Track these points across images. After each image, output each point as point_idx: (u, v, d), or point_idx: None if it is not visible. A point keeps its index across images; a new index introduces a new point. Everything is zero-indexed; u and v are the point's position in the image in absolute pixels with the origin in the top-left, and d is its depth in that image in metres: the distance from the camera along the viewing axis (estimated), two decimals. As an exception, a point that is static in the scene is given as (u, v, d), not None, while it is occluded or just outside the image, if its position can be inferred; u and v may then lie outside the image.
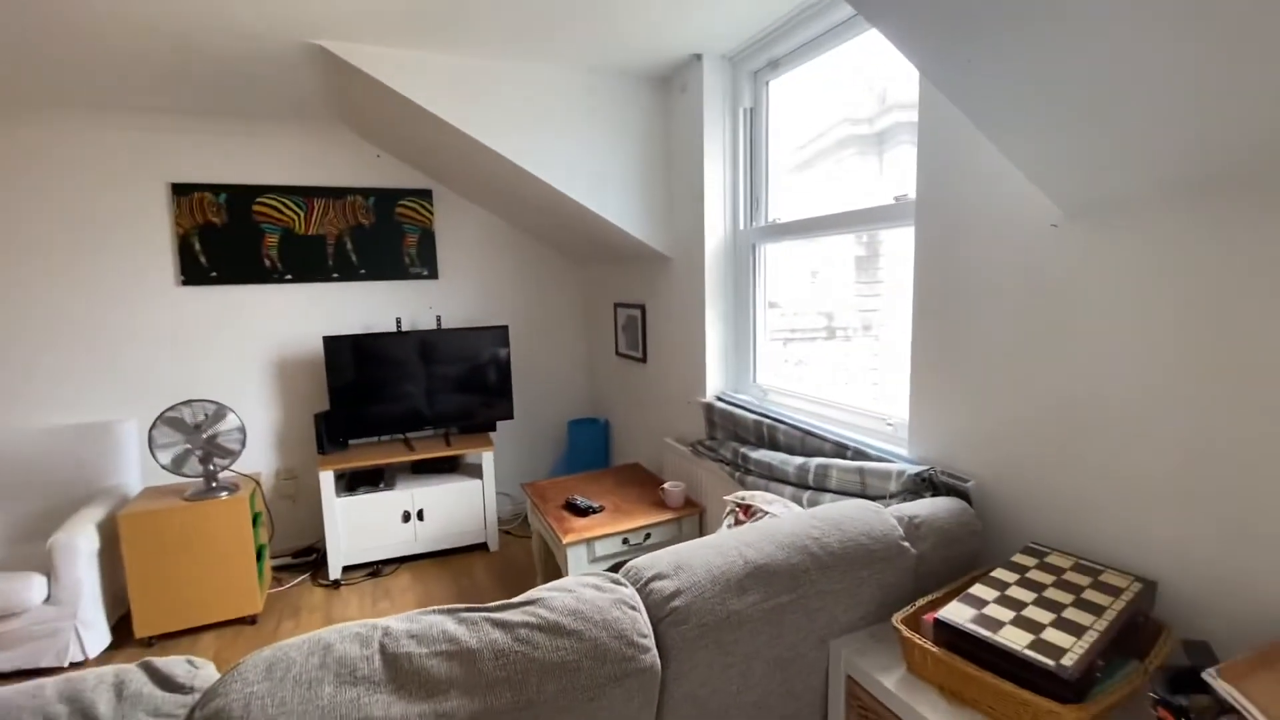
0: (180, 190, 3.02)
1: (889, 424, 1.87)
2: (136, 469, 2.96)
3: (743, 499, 1.82)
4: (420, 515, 3.23)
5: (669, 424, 2.96)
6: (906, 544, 1.26)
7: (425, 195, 3.47)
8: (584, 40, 2.27)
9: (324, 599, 2.95)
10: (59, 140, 2.85)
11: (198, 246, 3.07)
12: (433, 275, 3.54)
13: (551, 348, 3.92)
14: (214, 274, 3.11)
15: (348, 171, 3.33)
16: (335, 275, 3.33)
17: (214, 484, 2.69)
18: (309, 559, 3.33)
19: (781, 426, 2.08)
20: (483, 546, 3.43)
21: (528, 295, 3.82)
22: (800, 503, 1.81)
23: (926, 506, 1.37)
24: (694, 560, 1.08)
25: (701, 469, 2.55)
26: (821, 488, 1.79)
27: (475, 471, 3.41)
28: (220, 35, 2.12)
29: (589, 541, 2.33)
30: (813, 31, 2.05)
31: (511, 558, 3.32)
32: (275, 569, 3.24)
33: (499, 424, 3.78)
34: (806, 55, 2.16)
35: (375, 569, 3.21)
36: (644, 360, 3.18)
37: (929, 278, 1.58)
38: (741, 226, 2.52)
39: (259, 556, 2.81)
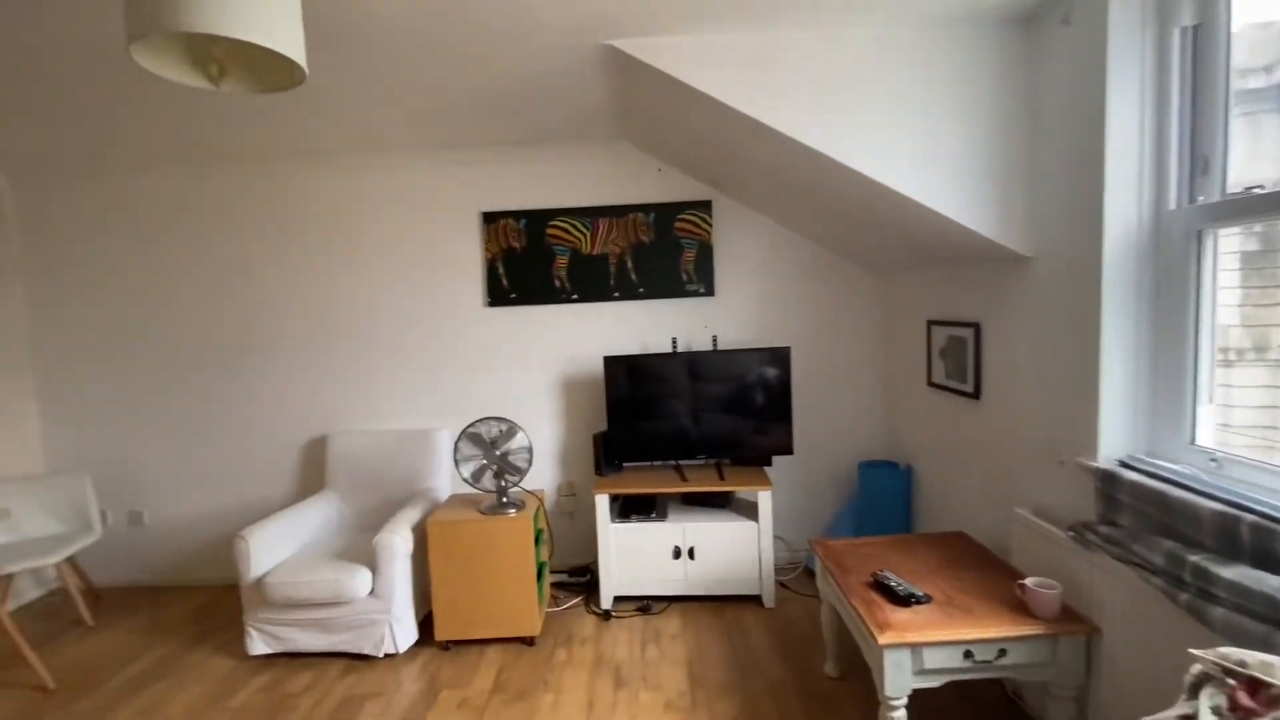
0: (489, 218, 3.25)
1: None
2: (447, 475, 3.23)
3: (1241, 664, 1.05)
4: (691, 553, 2.94)
5: (1018, 487, 2.17)
6: None
7: (705, 207, 3.22)
8: (925, -26, 1.71)
9: (595, 630, 2.83)
10: (394, 180, 3.27)
11: (501, 269, 3.27)
12: (709, 292, 3.26)
13: (841, 374, 3.34)
14: (513, 295, 3.28)
15: (630, 188, 3.25)
16: (616, 294, 3.27)
17: (504, 500, 2.75)
18: (583, 579, 3.29)
19: (1295, 534, 1.21)
20: (756, 600, 2.99)
21: (813, 312, 3.31)
22: (1389, 698, 0.97)
23: None
24: None
25: (1091, 566, 1.73)
26: None
27: (749, 511, 3.01)
28: (520, 52, 2.09)
29: (915, 647, 1.71)
30: None
31: (791, 620, 2.82)
32: (553, 584, 3.27)
33: (775, 459, 3.33)
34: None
35: (645, 604, 3.01)
36: (975, 396, 2.42)
37: None
38: (1172, 205, 1.66)
39: (539, 575, 2.80)
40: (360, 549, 2.76)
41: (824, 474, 3.38)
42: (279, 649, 2.65)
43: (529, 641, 2.73)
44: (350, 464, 3.23)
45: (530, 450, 2.77)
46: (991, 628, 1.71)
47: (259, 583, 2.58)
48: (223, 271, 3.36)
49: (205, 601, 3.29)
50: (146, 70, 1.32)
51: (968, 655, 1.71)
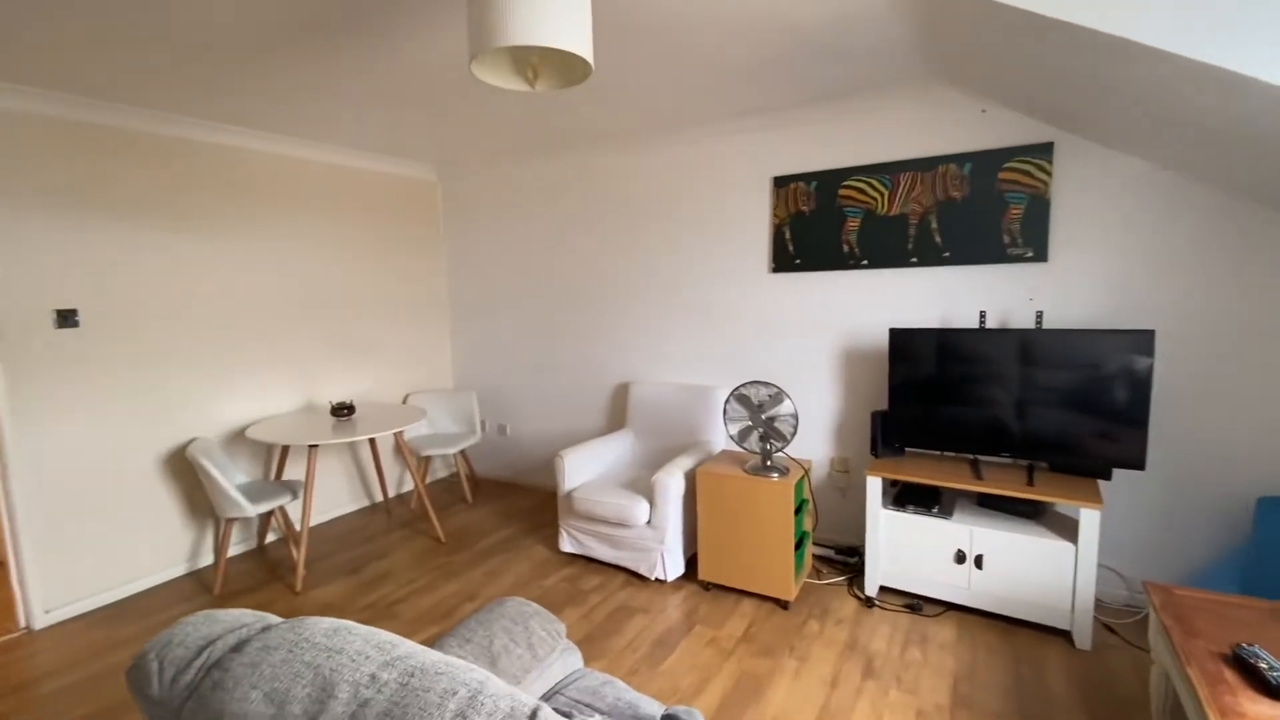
0: (779, 182, 3.22)
1: None
2: (721, 430, 3.42)
3: None
4: (979, 562, 2.56)
5: None
6: None
7: (1043, 151, 2.62)
8: None
9: (854, 613, 2.71)
10: (690, 153, 3.46)
11: (788, 235, 3.23)
12: (1039, 257, 2.68)
13: (1239, 372, 2.42)
14: (798, 261, 3.22)
15: (941, 137, 2.83)
16: (913, 260, 2.93)
17: (768, 463, 2.80)
18: (850, 560, 3.16)
19: None
20: (1065, 635, 2.47)
21: (1198, 284, 2.45)
22: None
23: None
24: None
25: None
26: None
27: (1067, 529, 2.47)
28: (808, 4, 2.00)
29: (1283, 761, 1.23)
30: None
31: (1111, 673, 2.26)
32: (817, 557, 3.22)
33: (1116, 473, 2.63)
34: None
35: (915, 603, 2.75)
36: None
37: None
38: None
39: (799, 544, 2.80)
40: (644, 483, 3.15)
41: (1198, 503, 2.54)
42: (581, 551, 3.23)
43: (783, 605, 2.77)
44: (644, 409, 3.66)
45: (795, 418, 2.74)
46: None
47: (569, 495, 3.17)
48: (566, 240, 4.08)
49: (539, 501, 4.17)
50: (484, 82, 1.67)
51: (1391, 805, 1.15)
